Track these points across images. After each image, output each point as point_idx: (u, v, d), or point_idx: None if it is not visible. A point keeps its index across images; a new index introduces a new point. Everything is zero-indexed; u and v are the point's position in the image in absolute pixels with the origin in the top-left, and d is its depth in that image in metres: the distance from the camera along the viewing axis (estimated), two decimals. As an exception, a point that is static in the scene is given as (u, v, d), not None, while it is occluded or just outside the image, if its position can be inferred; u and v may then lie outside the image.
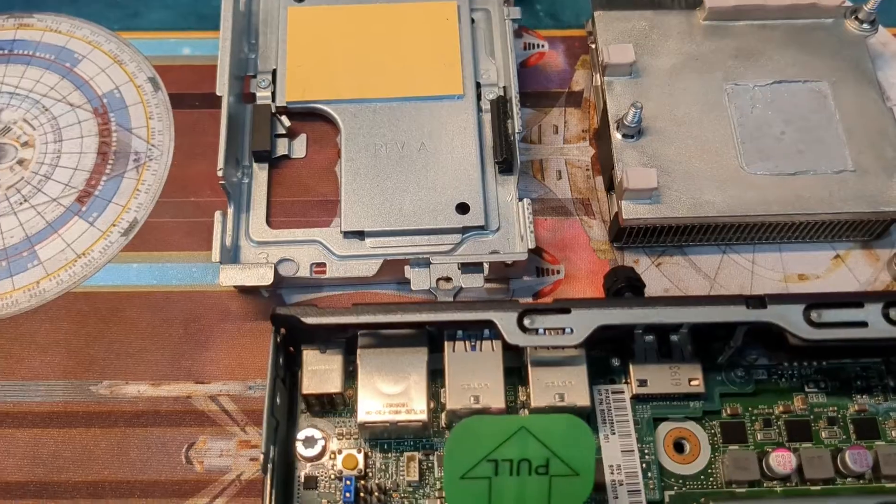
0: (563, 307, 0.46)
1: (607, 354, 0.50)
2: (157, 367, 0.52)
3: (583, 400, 0.46)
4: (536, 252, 0.56)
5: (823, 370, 0.50)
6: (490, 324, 0.46)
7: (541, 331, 0.46)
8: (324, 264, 0.54)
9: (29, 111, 0.59)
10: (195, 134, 0.59)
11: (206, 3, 0.64)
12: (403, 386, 0.47)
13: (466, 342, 0.48)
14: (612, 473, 0.47)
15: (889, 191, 0.53)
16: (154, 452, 0.50)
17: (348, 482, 0.46)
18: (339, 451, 0.47)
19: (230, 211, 0.54)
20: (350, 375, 0.48)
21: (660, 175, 0.53)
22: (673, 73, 0.57)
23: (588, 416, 0.47)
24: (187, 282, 0.55)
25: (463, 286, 0.52)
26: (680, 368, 0.48)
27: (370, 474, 0.47)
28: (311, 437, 0.48)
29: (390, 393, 0.47)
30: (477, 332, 0.48)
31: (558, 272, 0.55)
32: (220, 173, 0.52)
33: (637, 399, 0.49)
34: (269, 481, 0.44)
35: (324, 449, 0.48)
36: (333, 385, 0.47)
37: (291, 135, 0.59)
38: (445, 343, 0.48)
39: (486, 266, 0.52)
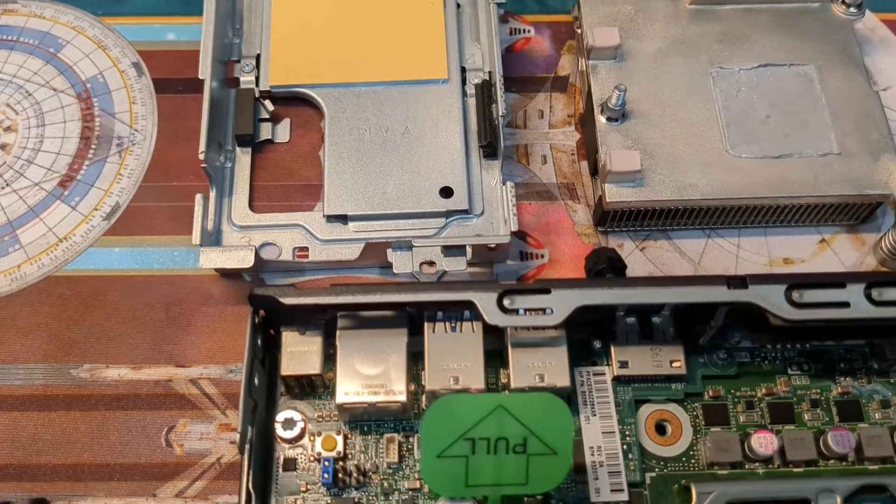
0: (543, 287, 0.46)
1: (589, 337, 0.49)
2: (138, 351, 0.52)
3: (563, 381, 0.46)
4: (520, 236, 0.55)
5: (807, 353, 0.50)
6: (470, 304, 0.46)
7: (521, 311, 0.46)
8: (307, 248, 0.54)
9: (12, 96, 0.59)
10: (179, 119, 0.59)
11: (191, -12, 0.64)
12: (383, 367, 0.47)
13: (447, 323, 0.48)
14: (592, 455, 0.46)
15: (874, 173, 0.53)
16: (134, 435, 0.50)
17: (326, 463, 0.45)
18: (319, 434, 0.47)
19: (212, 194, 0.54)
20: (329, 358, 0.48)
21: (644, 158, 0.53)
22: (658, 57, 0.57)
23: (568, 397, 0.47)
24: (169, 266, 0.55)
25: (446, 269, 0.52)
26: (661, 350, 0.48)
27: (349, 456, 0.47)
28: (291, 419, 0.47)
29: (369, 374, 0.46)
30: (457, 313, 0.48)
31: (542, 256, 0.55)
32: (201, 156, 0.52)
33: (618, 381, 0.48)
34: (246, 462, 0.44)
35: (303, 431, 0.47)
36: (312, 367, 0.47)
37: (275, 119, 0.58)
38: (426, 324, 0.47)
39: (469, 250, 0.52)
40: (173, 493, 0.49)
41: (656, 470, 0.47)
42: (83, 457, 0.49)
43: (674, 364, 0.48)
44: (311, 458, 0.47)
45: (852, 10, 0.58)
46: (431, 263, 0.53)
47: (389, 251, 0.52)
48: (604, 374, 0.49)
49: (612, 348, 0.48)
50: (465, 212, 0.54)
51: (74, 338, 0.52)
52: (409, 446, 0.47)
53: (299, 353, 0.47)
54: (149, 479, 0.49)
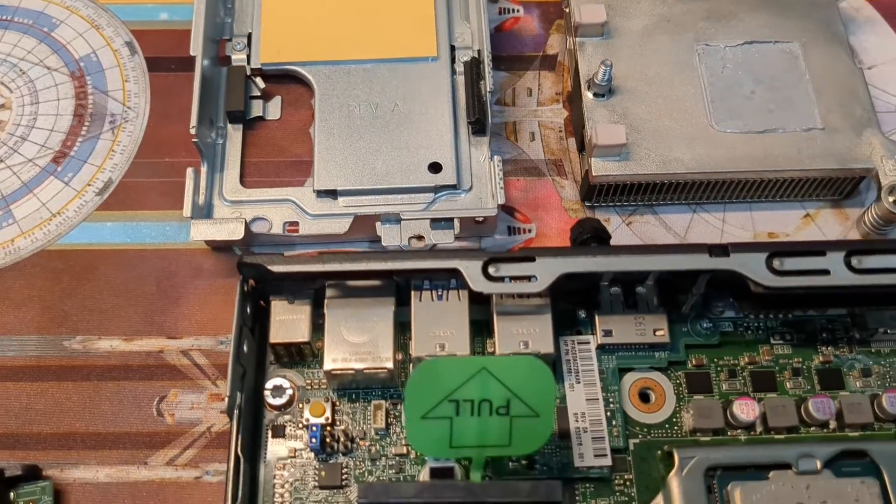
0: (527, 255, 0.46)
1: (574, 307, 0.50)
2: (130, 323, 0.53)
3: (546, 347, 0.46)
4: (508, 212, 0.56)
5: (789, 322, 0.51)
6: (455, 272, 0.46)
7: (506, 279, 0.46)
8: (297, 223, 0.54)
9: (6, 74, 0.60)
10: (171, 96, 0.60)
11: (184, -31, 0.65)
12: (370, 336, 0.47)
13: (433, 292, 0.48)
14: (576, 421, 0.47)
15: (857, 148, 0.53)
16: (125, 405, 0.51)
17: (314, 428, 0.46)
18: (308, 401, 0.48)
19: (203, 169, 0.55)
20: (318, 327, 0.49)
21: (630, 133, 0.53)
22: (644, 35, 0.57)
23: (553, 364, 0.48)
24: (160, 240, 0.55)
25: (434, 242, 0.53)
26: (645, 319, 0.49)
27: (337, 422, 0.48)
28: (280, 386, 0.48)
29: (357, 342, 0.47)
30: (444, 282, 0.48)
31: (529, 231, 0.56)
32: (192, 131, 0.53)
33: (602, 349, 0.49)
34: (235, 427, 0.45)
35: (292, 398, 0.48)
36: (301, 334, 0.48)
37: (266, 97, 0.59)
38: (412, 293, 0.48)
39: (457, 223, 0.53)
40: (164, 461, 0.49)
41: (640, 437, 0.48)
42: (75, 426, 0.50)
43: (657, 333, 0.49)
44: (300, 425, 0.48)
45: (836, -12, 0.59)
46: (420, 238, 0.53)
47: (378, 225, 0.53)
48: (588, 342, 0.49)
49: (597, 317, 0.49)
50: (454, 187, 0.55)
51: (67, 310, 0.53)
52: (397, 413, 0.48)
53: (288, 321, 0.48)
54: (140, 447, 0.50)
